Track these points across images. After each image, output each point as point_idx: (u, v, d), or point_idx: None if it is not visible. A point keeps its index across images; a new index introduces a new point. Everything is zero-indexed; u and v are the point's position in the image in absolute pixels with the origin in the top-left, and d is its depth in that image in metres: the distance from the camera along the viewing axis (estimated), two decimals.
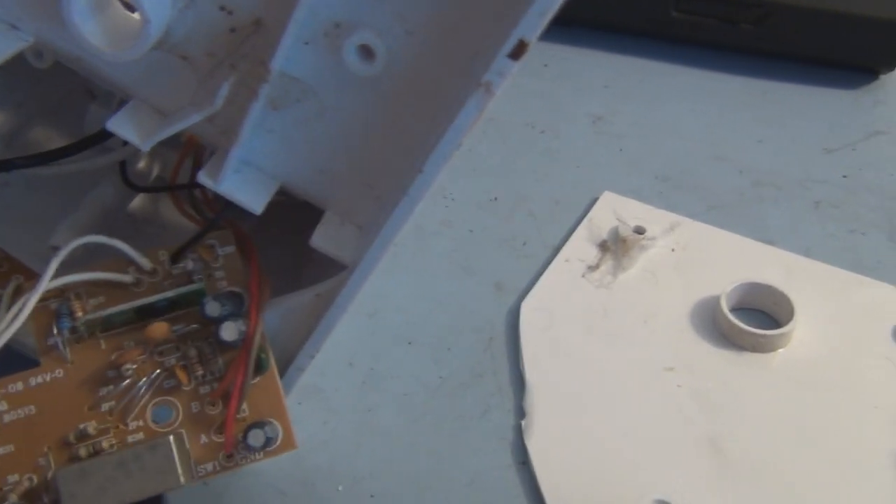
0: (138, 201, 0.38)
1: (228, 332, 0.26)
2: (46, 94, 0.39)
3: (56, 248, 0.33)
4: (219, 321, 0.27)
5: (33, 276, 0.30)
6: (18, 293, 0.29)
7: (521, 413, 0.34)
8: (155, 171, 0.37)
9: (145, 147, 0.27)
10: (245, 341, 0.27)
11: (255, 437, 0.27)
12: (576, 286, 0.39)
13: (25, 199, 0.34)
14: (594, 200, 0.44)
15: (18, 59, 0.39)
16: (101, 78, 0.27)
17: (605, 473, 0.32)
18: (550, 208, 0.45)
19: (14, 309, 0.27)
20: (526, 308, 0.38)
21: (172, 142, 0.36)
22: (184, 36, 0.25)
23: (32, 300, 0.26)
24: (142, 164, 0.37)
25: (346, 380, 0.35)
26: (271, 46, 0.24)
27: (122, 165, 0.35)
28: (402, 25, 0.23)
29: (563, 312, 0.38)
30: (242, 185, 0.27)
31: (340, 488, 0.31)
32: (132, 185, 0.34)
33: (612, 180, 0.46)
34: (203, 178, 0.27)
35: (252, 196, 0.27)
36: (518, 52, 0.21)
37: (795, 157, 0.49)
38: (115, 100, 0.37)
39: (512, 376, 0.35)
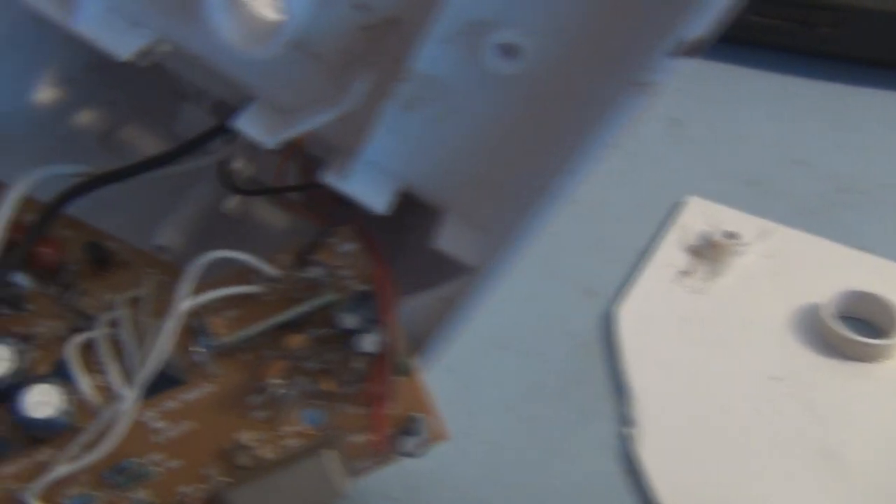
0: (230, 201, 0.37)
1: (368, 343, 0.26)
2: (136, 94, 0.39)
3: (161, 248, 0.33)
4: (356, 332, 0.26)
5: (169, 270, 0.30)
6: (160, 289, 0.29)
7: (623, 420, 0.33)
8: (248, 172, 0.37)
9: (271, 145, 0.26)
10: (386, 350, 0.26)
11: (407, 444, 0.27)
12: (671, 292, 0.38)
13: (124, 197, 0.34)
14: (678, 205, 0.44)
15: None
16: (222, 77, 0.27)
17: (721, 485, 0.31)
18: (633, 212, 0.44)
19: (156, 336, 0.27)
20: (622, 314, 0.37)
21: None
22: (316, 33, 0.25)
23: (170, 328, 0.26)
24: (236, 165, 0.36)
25: (445, 385, 0.34)
26: (408, 45, 0.24)
27: (222, 166, 0.34)
28: (551, 22, 0.23)
29: (661, 319, 0.37)
30: (366, 185, 0.27)
31: (449, 495, 0.31)
32: (237, 189, 0.33)
33: (694, 185, 0.46)
34: (327, 177, 0.26)
35: (376, 196, 0.27)
36: (687, 49, 0.20)
37: (877, 162, 0.48)
38: (209, 101, 0.37)
39: (611, 383, 0.35)
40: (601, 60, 0.22)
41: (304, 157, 0.33)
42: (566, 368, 0.35)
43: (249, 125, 0.26)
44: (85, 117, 0.37)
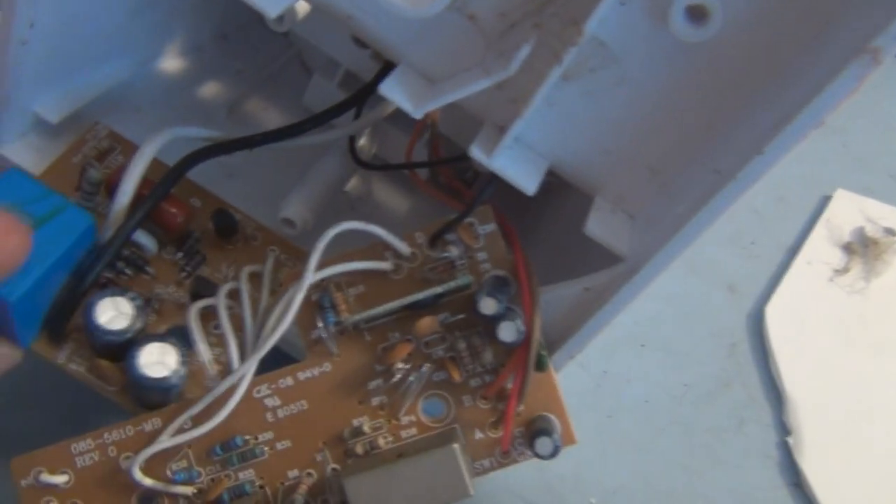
0: (353, 179, 0.36)
1: (507, 332, 0.24)
2: (263, 64, 0.38)
3: (288, 221, 0.32)
4: (494, 320, 0.24)
5: (289, 248, 0.29)
6: (277, 268, 0.28)
7: (782, 428, 0.30)
8: (372, 150, 0.36)
9: (418, 114, 0.24)
10: (525, 341, 0.24)
11: (544, 446, 0.24)
12: (823, 291, 0.35)
13: (253, 169, 0.33)
14: (825, 199, 0.40)
15: (247, 25, 0.38)
16: (371, 38, 0.25)
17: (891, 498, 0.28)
18: (775, 205, 0.41)
19: (279, 308, 0.25)
20: (771, 313, 0.34)
21: (398, 119, 0.34)
22: None
23: (298, 299, 0.25)
24: (362, 142, 0.35)
25: (579, 382, 0.32)
26: (583, 5, 0.21)
27: (351, 141, 0.33)
28: None
29: (814, 320, 0.34)
30: (515, 162, 0.25)
31: (593, 501, 0.28)
32: (366, 164, 0.32)
33: (839, 178, 0.42)
34: (475, 152, 0.24)
35: (525, 175, 0.25)
36: None
37: None
38: (339, 72, 0.36)
39: (764, 386, 0.32)
40: (814, 26, 0.19)
41: (435, 134, 0.32)
42: (714, 369, 0.32)
43: (396, 92, 0.24)
44: (212, 87, 0.36)
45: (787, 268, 0.36)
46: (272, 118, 0.37)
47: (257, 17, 0.38)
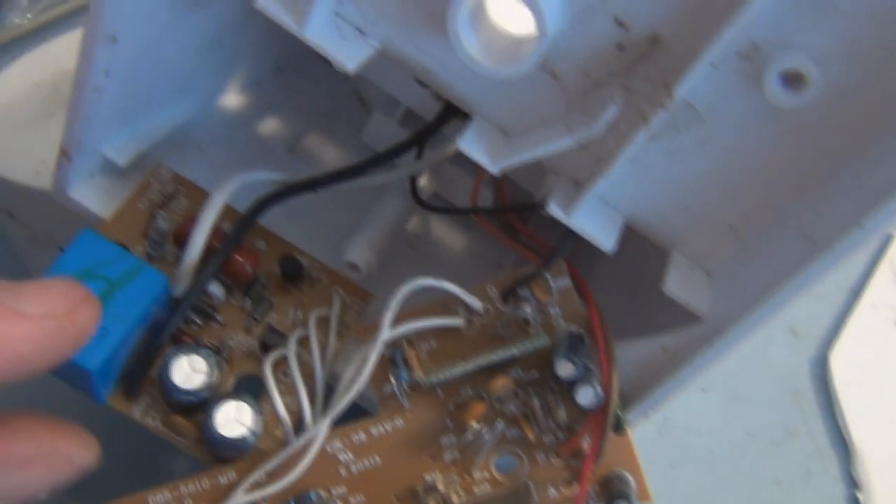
0: (412, 219, 0.36)
1: (585, 396, 0.24)
2: (320, 99, 0.38)
3: (353, 265, 0.31)
4: (571, 382, 0.24)
5: (354, 290, 0.29)
6: (343, 310, 0.29)
7: (850, 481, 0.30)
8: (432, 188, 0.35)
9: (496, 170, 0.24)
10: (603, 405, 0.24)
11: None
12: (889, 336, 0.34)
13: (312, 208, 0.32)
14: (887, 238, 0.40)
15: (302, 57, 0.38)
16: (448, 91, 0.25)
17: None
18: None
19: (352, 366, 0.25)
20: (835, 359, 0.34)
21: (458, 158, 0.34)
22: (563, 51, 0.22)
23: (373, 359, 0.25)
24: (422, 181, 0.35)
25: (640, 429, 0.31)
26: (673, 68, 0.21)
27: (413, 181, 0.33)
28: (845, 49, 0.20)
29: (882, 367, 0.33)
30: (593, 219, 0.24)
31: None
32: (427, 205, 0.32)
33: None
34: (554, 209, 0.24)
35: (603, 232, 0.24)
36: None
37: None
38: (400, 110, 0.35)
39: (830, 436, 0.31)
40: None
41: (500, 178, 0.31)
42: (778, 417, 0.32)
43: (474, 148, 0.24)
44: (271, 123, 0.36)
45: (851, 310, 0.36)
46: (331, 154, 0.37)
47: (311, 50, 0.38)
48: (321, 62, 0.37)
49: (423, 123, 0.33)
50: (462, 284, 0.25)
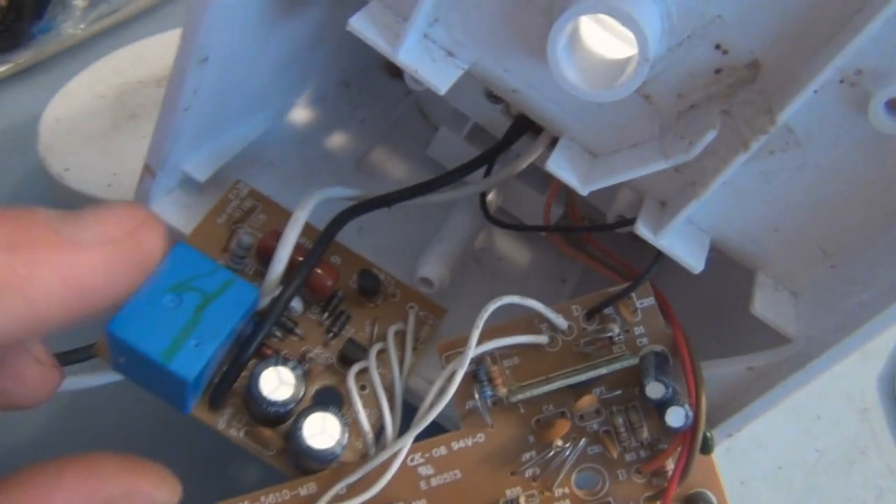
0: (480, 234, 0.36)
1: (676, 418, 0.24)
2: (384, 112, 0.38)
3: (426, 281, 0.32)
4: (662, 404, 0.24)
5: (428, 305, 0.30)
6: (418, 325, 0.29)
7: None
8: (498, 202, 0.36)
9: (585, 192, 0.24)
10: (693, 425, 0.24)
11: None
12: None
13: (383, 223, 0.33)
14: None
15: (366, 70, 0.38)
16: (535, 112, 0.25)
17: None
18: None
19: (439, 382, 0.25)
20: None
21: (526, 173, 0.34)
22: (658, 74, 0.22)
23: (459, 376, 0.25)
24: (490, 196, 0.35)
25: None
26: (776, 93, 0.21)
27: (483, 198, 0.33)
28: None
29: None
30: (680, 240, 0.24)
31: None
32: (499, 222, 0.32)
33: None
34: (642, 230, 0.24)
35: (691, 253, 0.24)
36: None
37: None
38: (468, 125, 0.36)
39: None
40: None
41: (572, 193, 0.32)
42: (849, 435, 0.32)
43: (564, 169, 0.24)
44: (338, 138, 0.36)
45: None
46: (398, 169, 0.37)
47: (376, 63, 0.39)
48: (384, 76, 0.38)
49: (488, 138, 0.34)
50: (542, 303, 0.25)
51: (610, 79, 0.22)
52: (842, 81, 0.21)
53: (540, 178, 0.34)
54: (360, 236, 0.33)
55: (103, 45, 0.48)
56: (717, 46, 0.21)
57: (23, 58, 0.46)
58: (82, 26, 0.50)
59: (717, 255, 0.26)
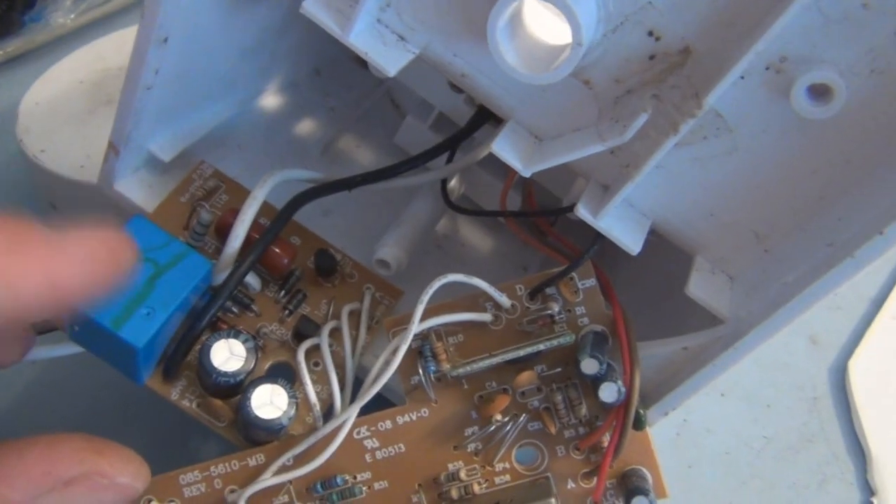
0: (441, 220, 0.37)
1: (609, 393, 0.24)
2: (354, 101, 0.39)
3: (383, 263, 0.32)
4: (595, 379, 0.25)
5: (384, 287, 0.30)
6: (373, 305, 0.30)
7: (866, 487, 0.30)
8: (461, 190, 0.36)
9: (527, 173, 0.25)
10: (625, 402, 0.25)
11: (633, 500, 0.25)
12: None
13: (346, 206, 0.34)
14: None
15: (338, 60, 0.39)
16: (483, 96, 0.26)
17: None
18: None
19: (383, 356, 0.26)
20: (854, 369, 0.34)
21: (488, 161, 0.35)
22: (595, 60, 0.23)
23: (402, 350, 0.26)
24: (452, 183, 0.36)
25: (659, 429, 0.32)
26: (703, 78, 0.22)
27: (444, 184, 0.34)
28: (869, 63, 0.20)
29: None
30: (620, 222, 0.25)
31: None
32: (457, 207, 0.33)
33: None
34: (582, 212, 0.25)
35: (630, 235, 0.25)
36: None
37: None
38: (433, 114, 0.36)
39: (847, 443, 0.32)
40: None
41: (529, 180, 0.32)
42: (796, 423, 0.32)
43: (507, 151, 0.25)
44: (307, 124, 0.37)
45: (871, 321, 0.36)
46: (364, 156, 0.38)
47: (347, 52, 0.40)
48: (356, 66, 0.39)
49: (454, 127, 0.34)
50: (489, 284, 0.26)
51: (547, 63, 0.22)
52: (767, 68, 0.21)
53: (502, 166, 0.34)
54: (325, 219, 0.34)
55: (91, 35, 0.49)
56: (650, 33, 0.22)
57: (12, 46, 0.47)
58: (72, 16, 0.51)
59: (663, 241, 0.27)
